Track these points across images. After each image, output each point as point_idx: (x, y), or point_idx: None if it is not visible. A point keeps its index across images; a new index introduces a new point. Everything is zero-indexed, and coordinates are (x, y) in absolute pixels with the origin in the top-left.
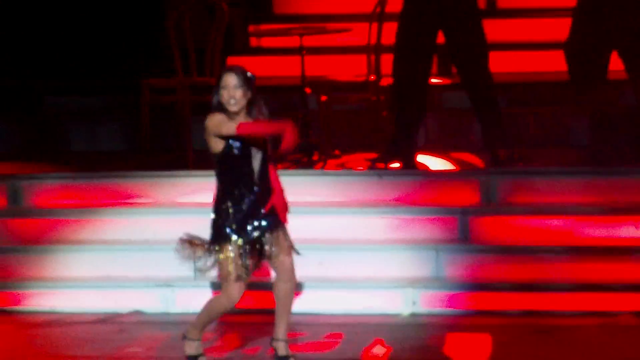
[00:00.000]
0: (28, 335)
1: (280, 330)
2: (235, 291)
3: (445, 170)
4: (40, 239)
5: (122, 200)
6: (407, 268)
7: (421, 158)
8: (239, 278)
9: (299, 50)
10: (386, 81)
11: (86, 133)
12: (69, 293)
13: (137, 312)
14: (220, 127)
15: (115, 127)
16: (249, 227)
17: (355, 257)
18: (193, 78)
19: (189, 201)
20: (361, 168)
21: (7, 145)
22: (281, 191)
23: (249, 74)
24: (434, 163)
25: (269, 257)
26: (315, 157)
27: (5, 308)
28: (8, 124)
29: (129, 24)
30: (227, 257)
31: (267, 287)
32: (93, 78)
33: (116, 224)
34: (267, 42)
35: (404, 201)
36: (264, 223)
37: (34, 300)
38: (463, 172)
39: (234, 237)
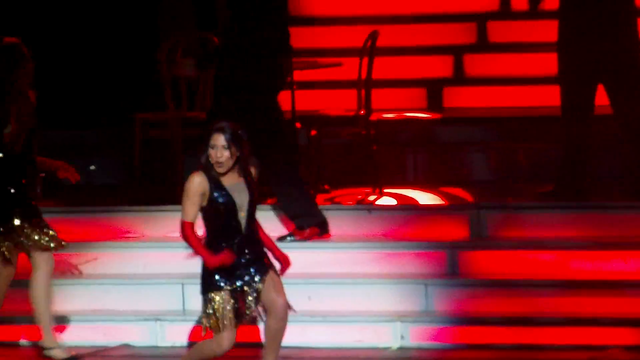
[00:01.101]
0: None
1: None
2: (225, 340)
3: (434, 204)
4: (27, 272)
5: (113, 234)
6: (396, 302)
7: (411, 193)
8: (227, 327)
9: (290, 85)
10: (376, 116)
11: (79, 167)
12: (58, 327)
13: (126, 346)
14: (192, 198)
15: (109, 161)
16: (237, 273)
17: (344, 291)
18: (184, 112)
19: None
20: (351, 203)
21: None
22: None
23: (239, 131)
24: (424, 198)
25: (259, 300)
26: None
27: None
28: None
29: (124, 58)
30: (218, 306)
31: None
32: (86, 112)
33: (107, 258)
34: None
35: (393, 236)
36: (252, 269)
37: (24, 334)
38: (452, 207)
39: (222, 284)
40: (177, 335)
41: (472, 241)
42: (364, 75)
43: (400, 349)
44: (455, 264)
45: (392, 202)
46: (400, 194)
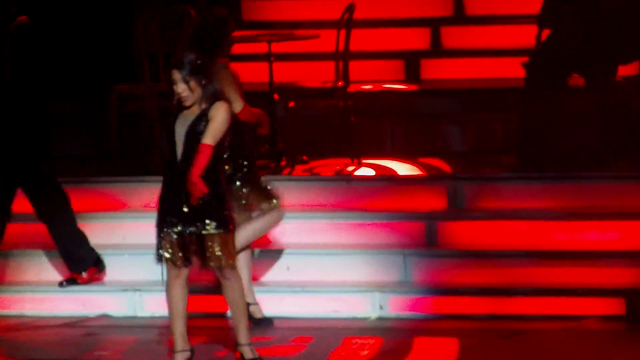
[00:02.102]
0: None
1: (242, 335)
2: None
3: (412, 175)
4: (7, 243)
5: (93, 205)
6: (374, 272)
7: (389, 163)
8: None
9: (267, 57)
10: (354, 87)
11: (55, 138)
12: (36, 297)
13: (105, 316)
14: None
15: (84, 132)
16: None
17: (323, 262)
18: (160, 84)
19: None
20: (329, 173)
21: None
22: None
23: (193, 59)
24: (402, 169)
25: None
26: (283, 163)
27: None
28: None
29: (99, 30)
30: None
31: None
32: (62, 83)
33: (85, 228)
34: (235, 48)
35: (371, 206)
36: (175, 217)
37: (1, 304)
38: (430, 178)
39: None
40: (156, 305)
41: (450, 212)
42: (341, 47)
43: (379, 319)
44: (433, 235)
45: (371, 172)
46: (378, 165)
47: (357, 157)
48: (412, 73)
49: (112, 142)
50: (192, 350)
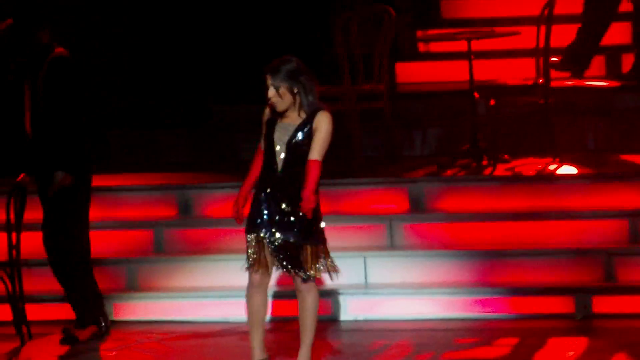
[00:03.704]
0: (203, 345)
1: (302, 352)
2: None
3: (614, 172)
4: (209, 249)
5: None
6: (578, 272)
7: (590, 161)
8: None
9: (467, 55)
10: (555, 84)
11: (254, 142)
12: (241, 302)
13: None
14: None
15: None
16: (259, 222)
17: (526, 262)
18: (360, 86)
19: (359, 209)
20: (531, 173)
21: (177, 156)
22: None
23: (289, 66)
24: (604, 166)
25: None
26: (484, 162)
27: (175, 318)
28: (177, 135)
29: (296, 33)
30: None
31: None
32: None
33: None
34: (435, 47)
35: (573, 205)
36: (274, 226)
37: (208, 310)
38: (633, 174)
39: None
40: (356, 309)
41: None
42: (541, 44)
43: (584, 318)
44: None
45: (572, 171)
46: (580, 163)
47: (558, 155)
48: (613, 68)
49: None
50: (268, 359)
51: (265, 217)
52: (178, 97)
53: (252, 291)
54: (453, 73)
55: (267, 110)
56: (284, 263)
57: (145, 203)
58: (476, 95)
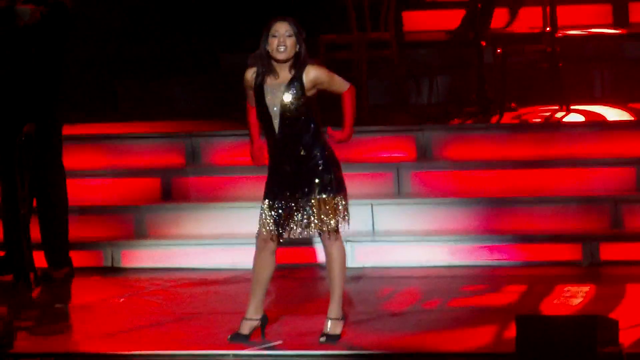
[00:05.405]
0: (210, 292)
1: (332, 307)
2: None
3: (622, 120)
4: (217, 197)
5: None
6: (585, 220)
7: (598, 109)
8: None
9: (474, 3)
10: (561, 32)
11: None
12: (249, 249)
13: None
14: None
15: None
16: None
17: (534, 210)
18: (368, 34)
19: (366, 157)
20: (538, 120)
21: (186, 104)
22: None
23: (293, 19)
24: (611, 114)
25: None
26: (491, 111)
27: (183, 265)
28: (185, 83)
29: None
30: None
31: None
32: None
33: None
34: None
35: (580, 152)
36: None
37: (216, 257)
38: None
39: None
40: (364, 256)
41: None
42: None
43: (590, 265)
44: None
45: (580, 118)
46: (588, 111)
47: (565, 103)
48: (620, 17)
49: None
50: (263, 318)
51: (281, 184)
52: (186, 47)
53: (259, 253)
54: (459, 22)
55: (248, 75)
56: (305, 222)
57: (153, 151)
58: (483, 43)
